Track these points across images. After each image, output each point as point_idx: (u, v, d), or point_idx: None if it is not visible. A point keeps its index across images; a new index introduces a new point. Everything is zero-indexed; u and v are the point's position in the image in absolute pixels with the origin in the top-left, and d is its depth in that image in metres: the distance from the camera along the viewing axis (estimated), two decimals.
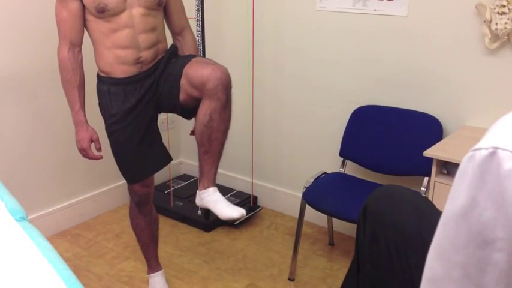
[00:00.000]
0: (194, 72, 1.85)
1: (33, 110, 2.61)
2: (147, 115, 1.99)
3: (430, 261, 0.50)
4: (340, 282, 2.40)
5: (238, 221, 2.86)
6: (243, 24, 2.90)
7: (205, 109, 1.82)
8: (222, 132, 1.86)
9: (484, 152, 0.47)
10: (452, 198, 0.48)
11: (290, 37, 2.77)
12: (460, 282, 0.46)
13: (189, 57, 1.97)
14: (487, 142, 0.47)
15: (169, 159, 2.13)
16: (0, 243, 1.29)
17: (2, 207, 1.47)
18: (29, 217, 1.73)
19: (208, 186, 1.93)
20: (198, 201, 1.98)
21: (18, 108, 2.55)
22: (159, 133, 2.09)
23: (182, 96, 1.92)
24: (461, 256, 0.46)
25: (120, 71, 1.92)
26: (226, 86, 1.81)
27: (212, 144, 1.87)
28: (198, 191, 1.97)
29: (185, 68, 1.90)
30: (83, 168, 2.88)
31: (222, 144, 1.89)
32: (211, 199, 1.91)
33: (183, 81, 1.90)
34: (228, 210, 1.88)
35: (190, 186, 3.27)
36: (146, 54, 1.93)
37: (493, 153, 0.46)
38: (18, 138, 2.58)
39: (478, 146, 0.48)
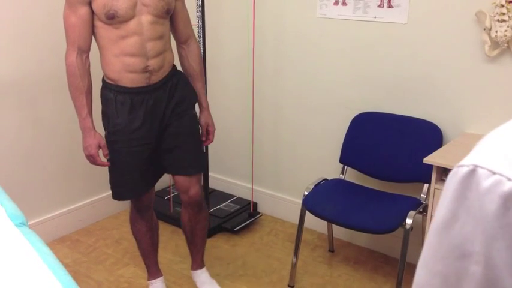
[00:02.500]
0: (180, 184, 2.12)
1: (33, 115, 2.62)
2: (149, 146, 2.02)
3: (417, 268, 0.54)
4: None
5: (238, 227, 2.85)
6: (243, 31, 2.91)
7: (184, 213, 2.21)
8: (201, 229, 2.26)
9: (465, 169, 0.49)
10: (438, 211, 0.52)
11: (290, 44, 2.78)
12: None
13: (188, 159, 2.11)
14: (468, 159, 0.50)
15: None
16: (0, 248, 1.28)
17: (2, 213, 1.47)
18: (29, 222, 1.74)
19: (197, 268, 2.35)
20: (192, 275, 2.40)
21: (19, 114, 2.56)
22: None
23: None
24: (442, 266, 0.49)
25: (128, 80, 1.91)
26: (198, 204, 2.17)
27: (195, 237, 2.27)
28: (190, 269, 2.38)
29: (177, 176, 2.11)
30: (82, 174, 2.88)
31: (203, 236, 2.30)
32: (199, 280, 2.35)
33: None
34: None
35: None
36: (153, 63, 1.92)
37: (473, 171, 0.48)
38: (19, 143, 2.59)
39: (461, 162, 0.51)
